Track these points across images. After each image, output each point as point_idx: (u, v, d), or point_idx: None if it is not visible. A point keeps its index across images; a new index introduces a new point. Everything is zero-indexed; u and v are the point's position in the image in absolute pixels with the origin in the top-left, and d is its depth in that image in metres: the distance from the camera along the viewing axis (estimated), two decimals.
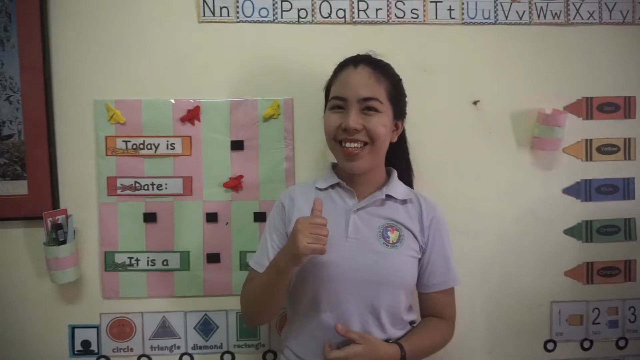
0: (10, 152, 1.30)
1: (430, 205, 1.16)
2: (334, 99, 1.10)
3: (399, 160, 1.24)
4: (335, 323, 1.04)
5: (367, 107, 1.07)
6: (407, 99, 1.17)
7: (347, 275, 1.06)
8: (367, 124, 1.06)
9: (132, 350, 1.35)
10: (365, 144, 1.08)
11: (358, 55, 1.13)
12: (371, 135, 1.07)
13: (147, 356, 1.36)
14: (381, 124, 1.08)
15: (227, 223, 1.34)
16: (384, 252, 1.07)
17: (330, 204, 1.12)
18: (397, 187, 1.16)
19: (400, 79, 1.15)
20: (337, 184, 1.15)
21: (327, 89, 1.16)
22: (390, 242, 1.09)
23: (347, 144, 1.07)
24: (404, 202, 1.15)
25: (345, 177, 1.15)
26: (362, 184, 1.14)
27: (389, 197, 1.13)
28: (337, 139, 1.09)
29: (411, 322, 1.15)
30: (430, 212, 1.14)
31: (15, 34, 1.27)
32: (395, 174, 1.19)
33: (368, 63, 1.10)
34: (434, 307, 1.15)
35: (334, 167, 1.20)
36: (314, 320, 1.08)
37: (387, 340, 1.07)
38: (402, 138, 1.23)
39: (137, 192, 1.33)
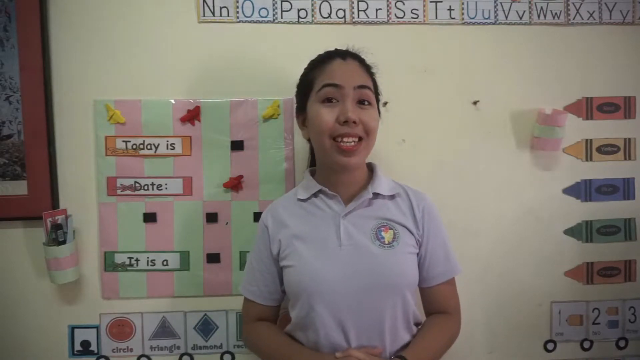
0: (9, 152, 1.30)
1: (419, 195, 1.13)
2: (327, 87, 1.03)
3: None
4: (335, 353, 0.98)
5: (361, 99, 1.04)
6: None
7: (347, 285, 1.00)
8: (362, 116, 1.03)
9: (131, 350, 1.35)
10: (360, 138, 1.03)
11: (339, 49, 1.11)
12: (367, 129, 1.03)
13: (147, 356, 1.35)
14: (374, 118, 1.06)
15: (227, 223, 1.34)
16: (381, 254, 1.03)
17: (317, 213, 1.08)
18: (382, 183, 1.10)
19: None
20: (320, 191, 1.10)
21: (306, 84, 1.10)
22: (386, 242, 1.04)
23: (345, 140, 1.01)
24: (392, 197, 1.10)
25: (326, 181, 1.10)
26: (346, 186, 1.09)
27: (375, 195, 1.09)
28: (333, 134, 1.02)
29: (417, 323, 1.10)
30: (420, 202, 1.11)
31: (15, 34, 1.27)
32: (377, 168, 1.14)
33: (355, 57, 1.10)
34: (438, 302, 1.12)
35: (312, 173, 1.16)
36: (318, 339, 1.02)
37: (399, 349, 1.02)
38: None
39: (137, 192, 1.33)
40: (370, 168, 1.15)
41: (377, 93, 1.12)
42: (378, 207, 1.09)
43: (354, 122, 1.01)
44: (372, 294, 1.00)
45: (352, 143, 1.03)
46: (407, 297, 1.04)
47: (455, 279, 1.15)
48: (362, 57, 1.12)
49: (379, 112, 1.13)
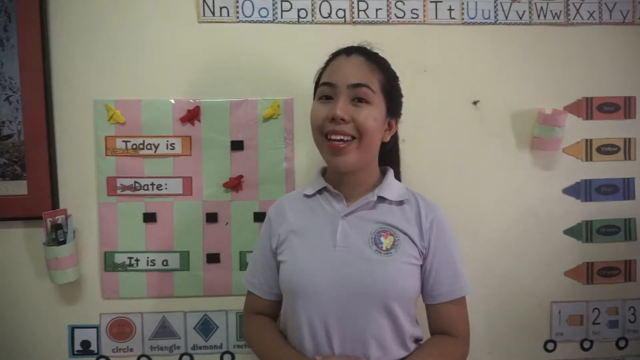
0: (10, 152, 1.30)
1: (430, 206, 1.06)
2: (322, 86, 1.03)
3: (388, 163, 1.14)
4: (316, 356, 0.96)
5: (358, 97, 0.99)
6: (403, 100, 1.11)
7: (334, 288, 0.96)
8: (356, 115, 0.98)
9: (131, 350, 1.35)
10: (353, 138, 0.99)
11: (352, 45, 1.07)
12: (360, 128, 0.98)
13: (147, 356, 1.35)
14: (372, 116, 0.99)
15: (227, 223, 1.34)
16: (376, 260, 0.97)
17: (318, 210, 1.06)
18: (391, 188, 1.06)
19: (397, 77, 1.09)
20: (324, 188, 1.07)
21: (317, 80, 1.09)
22: (384, 248, 0.99)
23: (333, 136, 0.98)
24: (400, 203, 1.05)
25: (334, 180, 1.07)
26: (352, 187, 1.05)
27: (381, 198, 1.04)
28: (323, 131, 1.00)
29: (417, 340, 1.04)
30: (430, 213, 1.04)
31: (15, 33, 1.27)
32: (391, 173, 1.10)
33: (362, 53, 1.04)
34: (444, 322, 1.04)
35: (323, 172, 1.13)
36: (302, 340, 0.99)
37: None
38: (394, 140, 1.16)
39: (137, 192, 1.33)
40: (384, 173, 1.11)
41: (388, 90, 1.04)
42: (382, 211, 1.04)
43: (343, 120, 0.98)
44: (357, 301, 0.96)
45: (341, 142, 0.99)
46: (394, 308, 0.97)
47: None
48: (373, 53, 1.06)
49: (398, 113, 1.09)
